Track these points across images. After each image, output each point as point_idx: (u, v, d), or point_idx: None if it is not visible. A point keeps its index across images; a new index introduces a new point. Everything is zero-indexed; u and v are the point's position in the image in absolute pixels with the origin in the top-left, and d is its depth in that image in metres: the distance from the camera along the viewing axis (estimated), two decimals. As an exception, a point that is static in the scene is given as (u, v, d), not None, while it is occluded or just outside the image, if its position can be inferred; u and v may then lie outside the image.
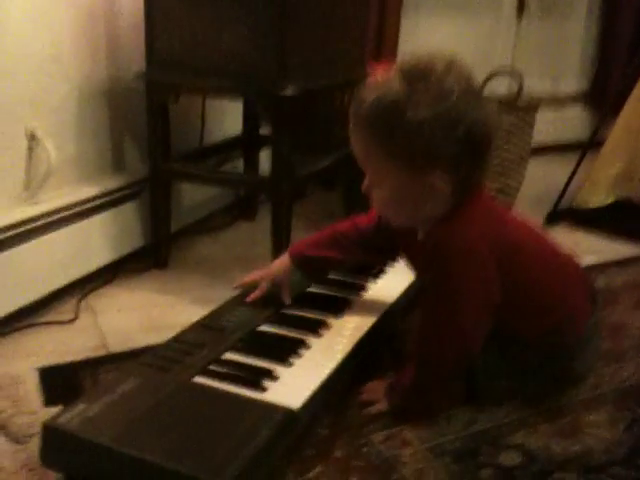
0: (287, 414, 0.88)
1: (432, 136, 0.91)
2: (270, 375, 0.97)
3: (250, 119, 1.84)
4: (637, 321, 1.37)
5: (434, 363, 1.01)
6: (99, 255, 1.47)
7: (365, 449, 0.96)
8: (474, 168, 0.96)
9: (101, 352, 1.22)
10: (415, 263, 1.13)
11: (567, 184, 1.96)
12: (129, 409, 0.87)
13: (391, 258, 1.34)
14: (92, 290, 1.45)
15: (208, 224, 1.86)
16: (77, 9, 1.41)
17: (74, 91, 1.44)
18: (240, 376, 0.97)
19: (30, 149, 1.35)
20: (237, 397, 0.92)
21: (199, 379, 0.96)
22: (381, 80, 0.94)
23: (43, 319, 1.32)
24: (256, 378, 0.96)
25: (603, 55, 2.81)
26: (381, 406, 1.03)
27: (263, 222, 1.94)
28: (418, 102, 0.91)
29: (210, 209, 1.87)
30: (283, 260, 1.22)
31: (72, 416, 0.85)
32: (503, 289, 0.99)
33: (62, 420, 0.85)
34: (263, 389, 0.94)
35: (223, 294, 1.43)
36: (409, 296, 1.30)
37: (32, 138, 1.34)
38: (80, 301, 1.40)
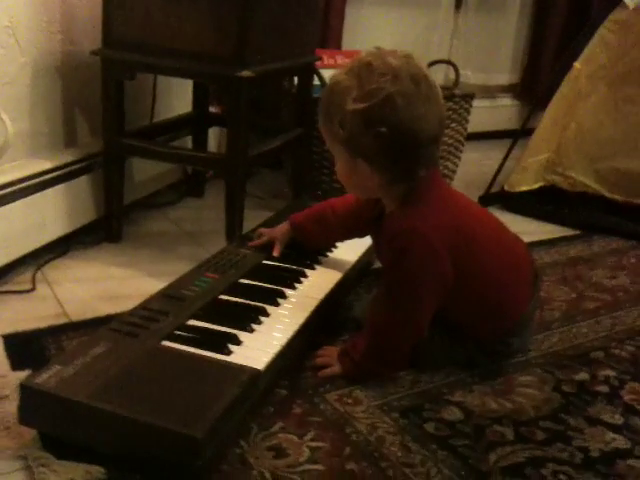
0: (253, 374, 0.95)
1: (353, 129, 1.01)
2: (234, 340, 1.04)
3: (200, 98, 1.88)
4: (562, 295, 1.51)
5: (384, 340, 1.11)
6: (53, 228, 1.49)
7: (321, 406, 1.05)
8: (404, 162, 1.04)
9: (62, 320, 1.25)
10: (378, 242, 1.21)
11: (499, 169, 2.10)
12: (102, 370, 0.93)
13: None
14: (47, 262, 1.47)
15: (157, 200, 1.90)
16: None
17: (28, 65, 1.46)
18: (206, 341, 1.03)
19: (-15, 122, 1.36)
20: (205, 359, 0.98)
21: (166, 343, 1.02)
22: (343, 69, 1.03)
23: (1, 289, 1.34)
24: (221, 342, 1.02)
25: (534, 50, 2.96)
26: (335, 369, 1.12)
27: (210, 199, 2.00)
28: (351, 95, 1.00)
29: (158, 185, 1.90)
30: (284, 225, 1.36)
31: (48, 376, 0.90)
32: (455, 279, 1.08)
33: (39, 380, 0.89)
34: (228, 352, 1.01)
35: (175, 268, 1.48)
36: (359, 269, 1.39)
37: (-13, 110, 1.35)
38: (36, 272, 1.42)
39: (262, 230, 1.40)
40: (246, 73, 1.37)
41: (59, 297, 1.34)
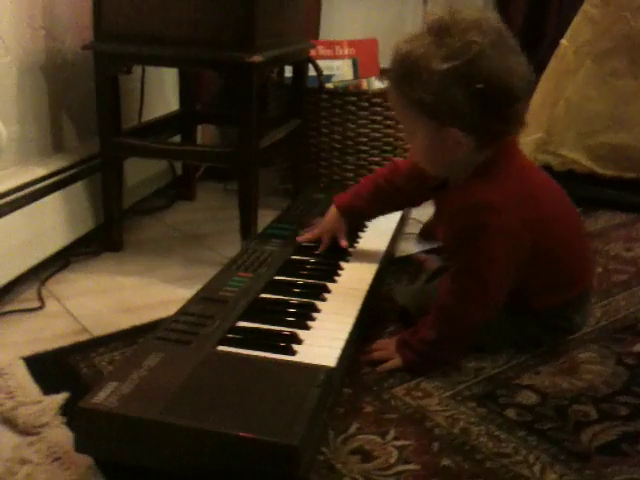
0: (329, 373, 0.87)
1: (447, 90, 0.93)
2: (295, 339, 0.96)
3: (186, 95, 1.78)
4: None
5: (457, 324, 1.04)
6: (54, 239, 1.37)
7: (392, 402, 0.97)
8: (497, 122, 0.97)
9: (84, 336, 1.14)
10: (442, 213, 1.12)
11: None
12: (164, 383, 0.83)
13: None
14: (50, 276, 1.35)
15: (148, 205, 1.79)
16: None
17: (13, 64, 1.34)
18: (264, 342, 0.95)
19: (-26, 126, 1.24)
20: (270, 361, 0.90)
21: (223, 348, 0.93)
22: (414, 34, 0.96)
23: (7, 309, 1.22)
24: (283, 342, 0.94)
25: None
26: (396, 361, 1.05)
27: (202, 201, 1.91)
28: (437, 55, 0.92)
29: (148, 190, 1.79)
30: (331, 213, 1.27)
31: (107, 395, 0.80)
32: (531, 255, 1.02)
33: (98, 400, 0.79)
34: (293, 352, 0.93)
35: (185, 272, 1.41)
36: (388, 259, 1.33)
37: (-24, 114, 1.23)
38: (40, 288, 1.30)
39: (315, 232, 1.29)
40: (257, 58, 1.29)
41: (73, 312, 1.23)
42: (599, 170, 2.05)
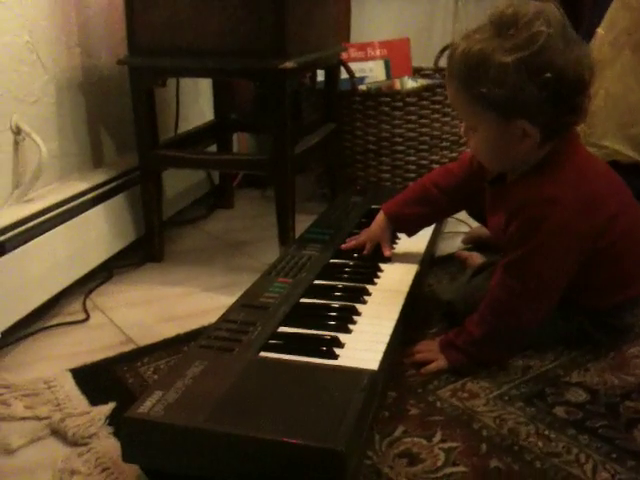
0: (372, 376, 0.86)
1: (516, 82, 0.92)
2: (337, 343, 0.95)
3: (221, 104, 1.80)
4: None
5: (509, 321, 1.02)
6: (97, 252, 1.39)
7: (438, 404, 0.96)
8: (565, 112, 0.96)
9: (129, 347, 1.16)
10: (498, 207, 1.08)
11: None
12: (209, 390, 0.83)
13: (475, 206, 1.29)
14: (94, 288, 1.38)
15: (188, 215, 1.81)
16: (49, -5, 1.34)
17: (51, 82, 1.37)
18: (306, 347, 0.95)
19: (16, 144, 1.27)
20: (313, 366, 0.90)
21: (265, 354, 0.93)
22: (473, 29, 0.95)
23: (54, 322, 1.24)
24: (325, 347, 0.94)
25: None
26: (440, 363, 1.03)
27: (240, 209, 1.92)
28: (504, 48, 0.92)
29: (187, 201, 1.82)
30: (379, 220, 1.26)
31: (153, 404, 0.80)
32: (589, 255, 1.01)
33: (144, 409, 0.79)
34: (335, 356, 0.92)
35: (227, 279, 1.42)
36: (428, 260, 1.32)
37: (18, 132, 1.26)
38: (85, 300, 1.32)
39: (361, 239, 1.29)
40: (289, 64, 1.29)
41: (117, 323, 1.25)
42: (643, 160, 2.00)
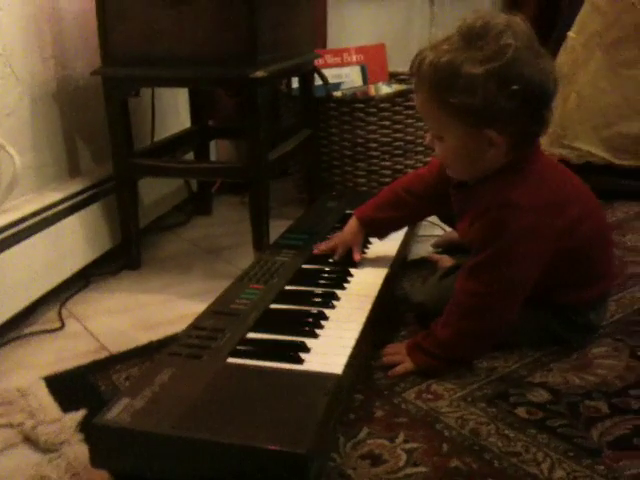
0: (337, 380, 0.89)
1: (486, 93, 0.94)
2: (303, 348, 0.97)
3: (198, 112, 1.82)
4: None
5: (475, 323, 1.04)
6: (72, 260, 1.41)
7: (403, 406, 0.98)
8: (531, 123, 0.99)
9: (103, 354, 1.17)
10: (464, 211, 1.11)
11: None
12: (175, 397, 0.85)
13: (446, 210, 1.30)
14: (70, 297, 1.39)
15: (166, 222, 1.83)
16: (22, 7, 1.35)
17: (25, 94, 1.38)
18: (273, 352, 0.97)
19: (-9, 156, 1.28)
20: (279, 371, 0.92)
21: (233, 360, 0.95)
22: (441, 39, 0.97)
23: (29, 330, 1.26)
24: (290, 352, 0.96)
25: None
26: (407, 365, 1.06)
27: (219, 215, 1.94)
28: (474, 60, 0.94)
29: (165, 208, 1.83)
30: (351, 224, 1.29)
31: (119, 411, 0.82)
32: (554, 254, 1.03)
33: (111, 416, 0.82)
34: (301, 361, 0.94)
35: (204, 286, 1.44)
36: (399, 263, 1.34)
37: (-8, 144, 1.28)
38: (61, 309, 1.34)
39: (332, 242, 1.31)
40: (260, 73, 1.31)
41: (92, 331, 1.26)
42: (616, 161, 2.03)
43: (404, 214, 1.29)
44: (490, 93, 0.94)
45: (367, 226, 1.29)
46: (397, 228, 1.36)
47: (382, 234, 1.34)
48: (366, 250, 1.35)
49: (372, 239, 1.39)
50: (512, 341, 1.12)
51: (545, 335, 1.13)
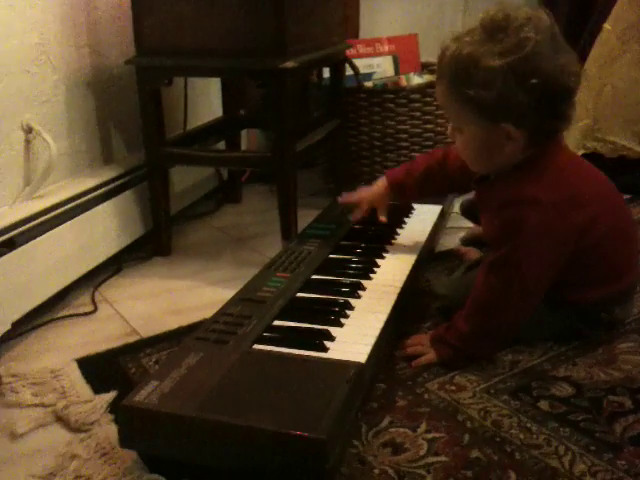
0: (358, 368, 0.90)
1: (503, 86, 0.94)
2: (327, 336, 0.99)
3: (229, 101, 1.83)
4: None
5: (493, 318, 1.04)
6: (105, 246, 1.44)
7: (425, 396, 0.99)
8: (550, 118, 0.98)
9: (134, 338, 1.20)
10: (484, 206, 1.12)
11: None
12: (202, 381, 0.88)
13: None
14: (103, 282, 1.43)
15: (196, 210, 1.85)
16: (59, -3, 1.38)
17: (61, 82, 1.41)
18: (298, 340, 0.98)
19: (27, 142, 1.32)
20: (303, 358, 0.93)
21: (258, 346, 0.97)
22: (463, 31, 0.97)
23: (62, 313, 1.29)
24: (315, 340, 0.98)
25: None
26: (430, 356, 1.07)
27: (248, 203, 1.96)
28: (493, 52, 0.94)
29: (196, 195, 1.85)
30: (380, 185, 1.30)
31: (148, 393, 0.85)
32: (572, 253, 1.03)
33: (139, 398, 0.84)
34: (325, 349, 0.96)
35: (232, 274, 1.46)
36: (426, 254, 1.34)
37: (29, 131, 1.31)
38: (94, 293, 1.37)
39: (359, 196, 1.34)
40: (290, 64, 1.32)
41: (123, 315, 1.29)
42: (650, 155, 2.00)
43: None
44: (508, 86, 0.94)
45: (396, 191, 1.30)
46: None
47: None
48: (393, 241, 1.35)
49: (399, 230, 1.40)
50: (533, 337, 1.11)
51: (567, 332, 1.12)
